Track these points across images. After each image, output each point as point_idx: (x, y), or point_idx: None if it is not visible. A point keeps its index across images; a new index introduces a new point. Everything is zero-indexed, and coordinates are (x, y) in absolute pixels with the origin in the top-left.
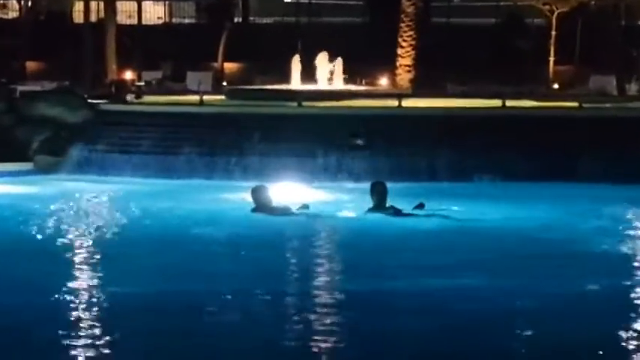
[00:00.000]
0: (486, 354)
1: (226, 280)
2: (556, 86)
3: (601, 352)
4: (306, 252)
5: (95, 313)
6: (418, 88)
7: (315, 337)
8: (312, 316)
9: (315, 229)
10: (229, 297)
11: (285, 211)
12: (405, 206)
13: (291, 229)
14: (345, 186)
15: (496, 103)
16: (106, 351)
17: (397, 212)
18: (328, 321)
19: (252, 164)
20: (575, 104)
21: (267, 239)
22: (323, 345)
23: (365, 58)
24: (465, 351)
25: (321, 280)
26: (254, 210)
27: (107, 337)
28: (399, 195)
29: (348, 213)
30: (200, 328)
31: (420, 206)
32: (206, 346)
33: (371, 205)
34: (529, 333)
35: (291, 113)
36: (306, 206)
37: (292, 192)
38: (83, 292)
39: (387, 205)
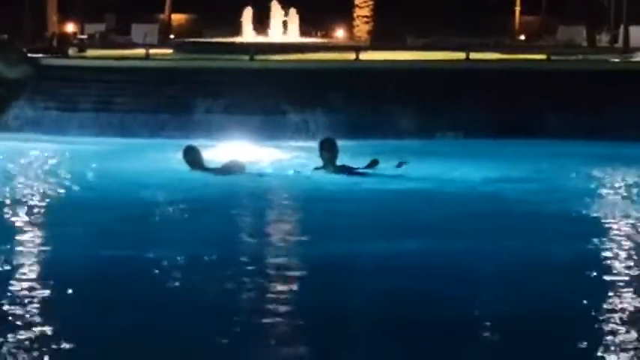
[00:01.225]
0: (441, 321)
1: (167, 244)
2: (522, 37)
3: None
4: (247, 214)
5: (28, 283)
6: (377, 41)
7: (268, 306)
8: (263, 283)
9: (255, 189)
10: (169, 263)
11: (226, 170)
12: (361, 165)
13: (230, 191)
14: (299, 145)
15: (459, 55)
16: (40, 322)
17: (348, 170)
18: (279, 289)
19: (201, 122)
20: (542, 56)
21: (205, 201)
22: (275, 317)
23: (320, 8)
24: (424, 318)
25: (265, 244)
26: (192, 169)
27: (42, 308)
28: (357, 153)
29: (297, 172)
30: (141, 297)
31: (374, 163)
32: (143, 317)
33: (321, 163)
34: (482, 299)
35: (242, 67)
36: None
37: (241, 151)
38: (16, 260)
39: (338, 163)
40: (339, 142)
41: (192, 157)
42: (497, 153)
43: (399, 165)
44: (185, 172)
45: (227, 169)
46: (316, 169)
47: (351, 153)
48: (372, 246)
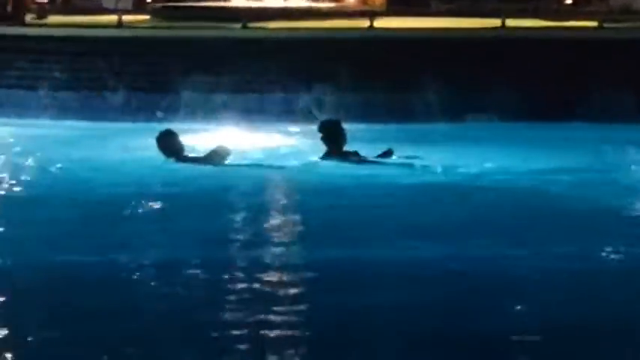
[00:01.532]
0: (481, 336)
1: (136, 249)
2: (569, 1)
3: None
4: (232, 213)
5: None
6: (394, 5)
7: (268, 317)
8: (263, 291)
9: (243, 183)
10: (138, 271)
11: (208, 159)
12: (373, 154)
13: (212, 184)
14: (300, 129)
15: (493, 23)
16: None
17: (357, 159)
18: (276, 302)
19: (183, 102)
20: (593, 24)
21: (180, 197)
22: (274, 329)
23: None
24: (453, 333)
25: (254, 249)
26: (168, 158)
27: None
28: (369, 140)
29: (296, 161)
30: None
31: (388, 153)
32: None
33: (324, 150)
34: (529, 309)
35: (233, 37)
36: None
37: (231, 137)
38: None
39: (346, 150)
40: (349, 127)
41: (167, 143)
42: (540, 138)
43: (385, 154)
44: (160, 162)
45: (209, 159)
46: (321, 158)
47: (361, 140)
48: (390, 252)
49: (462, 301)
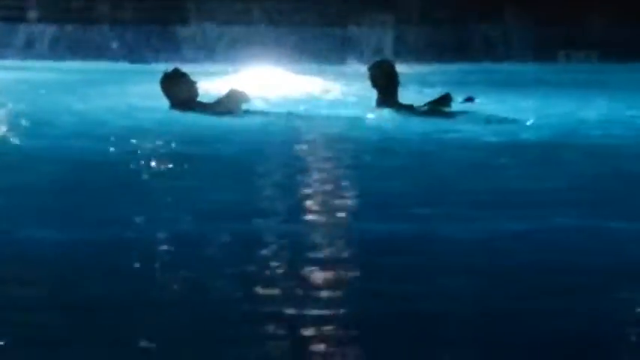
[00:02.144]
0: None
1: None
2: None
3: None
4: (271, 175)
5: None
6: None
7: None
8: (308, 280)
9: (282, 137)
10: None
11: (222, 106)
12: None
13: (226, 139)
14: (349, 70)
15: None
16: None
17: (409, 108)
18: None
19: (202, 37)
20: None
21: (186, 157)
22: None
23: None
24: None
25: (307, 222)
26: (173, 107)
27: None
28: (435, 83)
29: (338, 111)
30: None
31: (444, 99)
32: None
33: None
34: None
35: None
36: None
37: (264, 79)
38: None
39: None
40: (411, 68)
41: (174, 87)
42: None
43: (441, 101)
44: (163, 111)
45: (222, 105)
46: (378, 105)
47: (425, 84)
48: (462, 226)
49: (556, 283)
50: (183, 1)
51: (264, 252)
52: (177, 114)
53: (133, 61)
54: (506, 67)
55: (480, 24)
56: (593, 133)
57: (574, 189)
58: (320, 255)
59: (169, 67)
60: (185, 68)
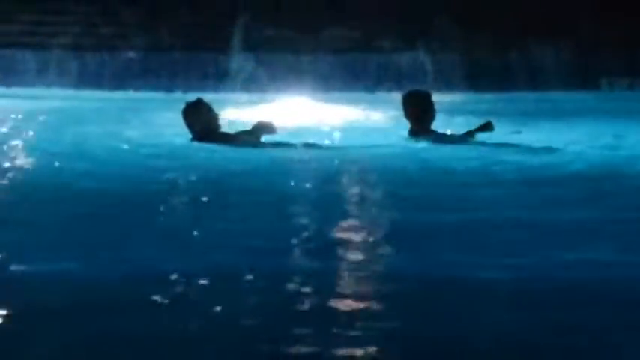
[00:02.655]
0: None
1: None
2: None
3: None
4: (302, 208)
5: None
6: None
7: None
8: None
9: (314, 167)
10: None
11: (250, 140)
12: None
13: (251, 173)
14: (384, 98)
15: None
16: None
17: (449, 138)
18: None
19: (227, 64)
20: None
21: (207, 192)
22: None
23: None
24: None
25: (342, 257)
26: (195, 138)
27: None
28: (474, 112)
29: (369, 140)
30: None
31: (486, 127)
32: None
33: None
34: None
35: None
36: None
37: (298, 108)
38: None
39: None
40: (449, 97)
41: (196, 117)
42: None
43: (483, 128)
44: (184, 143)
45: (245, 137)
46: (407, 137)
47: (463, 112)
48: (496, 272)
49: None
50: (221, 29)
51: (292, 287)
52: (196, 145)
53: (169, 89)
54: (546, 95)
55: (522, 51)
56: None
57: (618, 222)
58: (350, 291)
59: (205, 96)
60: (221, 97)
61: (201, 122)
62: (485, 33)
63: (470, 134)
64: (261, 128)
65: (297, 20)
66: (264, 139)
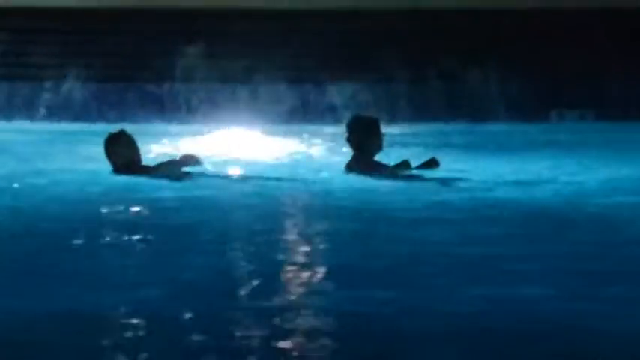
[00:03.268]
0: None
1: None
2: None
3: None
4: (224, 242)
5: None
6: None
7: None
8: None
9: (242, 201)
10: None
11: (170, 170)
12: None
13: (193, 204)
14: (327, 130)
15: None
16: None
17: (390, 171)
18: None
19: (179, 95)
20: None
21: (125, 226)
22: None
23: None
24: None
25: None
26: (116, 171)
27: None
28: (419, 145)
29: (308, 173)
30: None
31: (431, 164)
32: None
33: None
34: None
35: (234, 6)
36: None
37: (231, 140)
38: None
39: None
40: (392, 129)
41: (118, 150)
42: None
43: (427, 164)
44: (106, 175)
45: (167, 169)
46: (345, 169)
47: (407, 145)
48: (447, 306)
49: None
50: (163, 59)
51: (234, 328)
52: (117, 178)
53: (110, 120)
54: (494, 127)
55: (466, 81)
56: (595, 202)
57: (579, 258)
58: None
59: (142, 128)
60: (160, 128)
61: (121, 155)
62: (432, 64)
63: (405, 166)
64: (185, 160)
65: (235, 50)
66: (188, 170)
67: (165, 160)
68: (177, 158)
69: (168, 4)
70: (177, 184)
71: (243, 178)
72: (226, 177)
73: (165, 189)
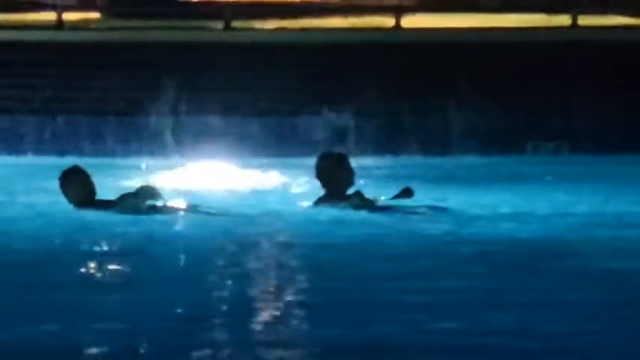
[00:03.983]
0: None
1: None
2: None
3: None
4: (183, 280)
5: None
6: None
7: None
8: None
9: (208, 235)
10: None
11: (127, 204)
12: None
13: (158, 238)
14: (295, 163)
15: (560, 21)
16: None
17: (360, 202)
18: None
19: (148, 130)
20: None
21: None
22: None
23: None
24: None
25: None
26: (74, 205)
27: None
28: (391, 178)
29: (277, 206)
30: None
31: (405, 193)
32: None
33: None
34: None
35: (211, 42)
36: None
37: (207, 173)
38: None
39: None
40: (366, 161)
41: (73, 186)
42: (632, 176)
43: (402, 194)
44: (63, 209)
45: (124, 203)
46: (319, 201)
47: (380, 178)
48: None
49: None
50: (138, 92)
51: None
52: (73, 211)
53: (82, 154)
54: (468, 160)
55: (442, 113)
56: (577, 236)
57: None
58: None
59: (121, 160)
60: (132, 161)
61: (74, 191)
62: (406, 98)
63: (359, 198)
64: (145, 193)
65: (213, 83)
66: (144, 204)
67: (124, 193)
68: (134, 191)
69: (141, 37)
70: (134, 217)
71: (202, 212)
72: (186, 210)
73: (125, 224)
